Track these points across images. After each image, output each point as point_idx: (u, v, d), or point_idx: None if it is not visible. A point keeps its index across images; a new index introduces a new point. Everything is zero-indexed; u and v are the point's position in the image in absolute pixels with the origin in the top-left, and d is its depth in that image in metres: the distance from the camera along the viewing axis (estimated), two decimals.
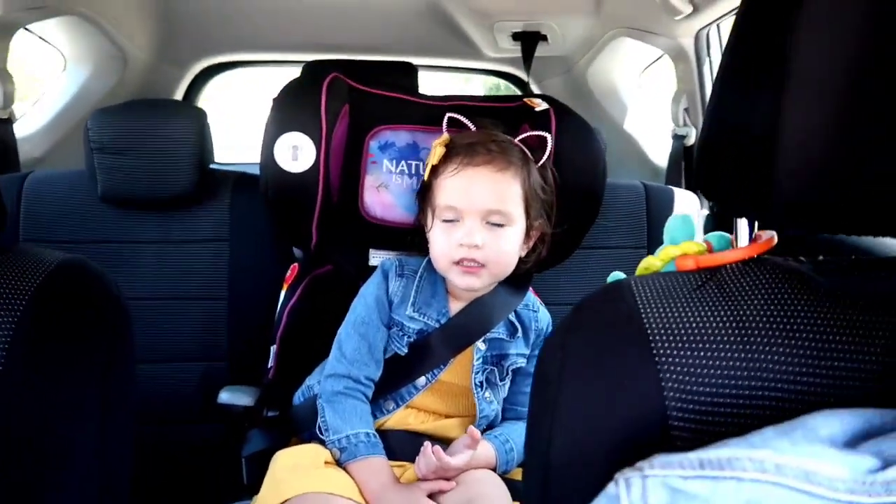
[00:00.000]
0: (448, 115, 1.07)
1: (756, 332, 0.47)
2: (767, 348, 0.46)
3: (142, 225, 1.43)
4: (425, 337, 1.03)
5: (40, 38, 1.67)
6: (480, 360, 1.04)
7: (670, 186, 1.61)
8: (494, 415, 1.08)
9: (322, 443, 1.01)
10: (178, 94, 2.16)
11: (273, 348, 1.21)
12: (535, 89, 2.15)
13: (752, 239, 0.58)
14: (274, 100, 1.13)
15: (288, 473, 0.93)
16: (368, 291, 1.07)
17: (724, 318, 0.48)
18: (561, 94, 2.08)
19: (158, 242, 1.44)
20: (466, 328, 1.04)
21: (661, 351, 0.47)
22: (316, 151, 1.09)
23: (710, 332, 0.48)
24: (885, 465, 0.34)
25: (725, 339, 0.47)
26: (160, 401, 1.42)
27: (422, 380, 1.04)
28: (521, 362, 1.08)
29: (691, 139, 1.61)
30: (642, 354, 0.47)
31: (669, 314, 0.49)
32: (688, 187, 1.65)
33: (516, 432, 1.05)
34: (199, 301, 1.44)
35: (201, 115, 1.44)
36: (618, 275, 0.72)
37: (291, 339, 1.21)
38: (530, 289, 1.23)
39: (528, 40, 1.85)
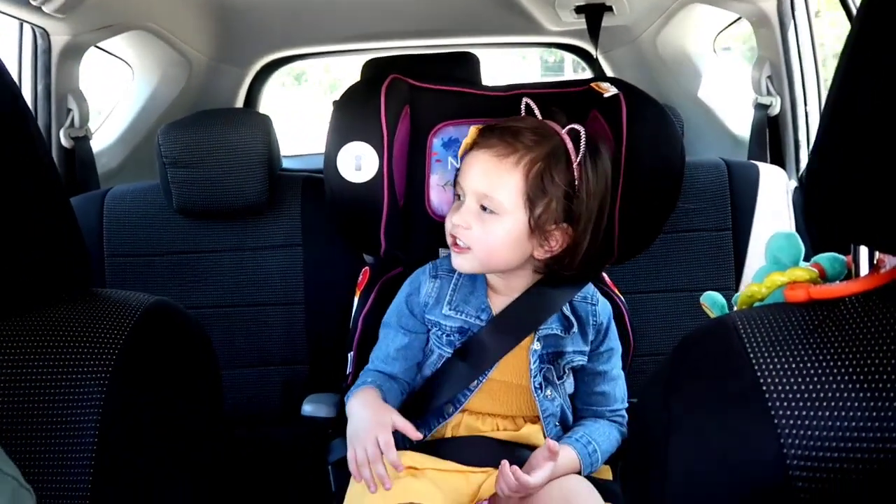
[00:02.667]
0: (525, 100, 1.03)
1: (883, 382, 0.42)
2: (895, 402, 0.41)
3: (217, 234, 1.46)
4: (473, 336, 1.01)
5: (107, 52, 1.70)
6: (537, 361, 1.01)
7: (754, 161, 1.52)
8: (561, 412, 1.04)
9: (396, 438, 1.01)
10: (242, 92, 2.18)
11: (350, 355, 1.22)
12: (602, 62, 2.06)
13: (873, 266, 0.52)
14: (333, 109, 1.11)
15: (366, 488, 0.94)
16: (398, 296, 1.08)
17: (849, 367, 0.44)
18: (628, 65, 1.99)
19: (234, 250, 1.46)
20: (515, 323, 1.00)
21: (778, 404, 0.43)
22: (379, 159, 1.07)
23: (832, 382, 0.43)
24: None
25: (851, 391, 0.43)
26: (246, 405, 1.46)
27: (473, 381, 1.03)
28: (580, 360, 1.03)
29: (776, 109, 1.51)
30: (757, 411, 0.43)
31: (784, 361, 0.45)
32: (773, 161, 1.55)
33: (597, 431, 1.02)
34: (277, 306, 1.46)
35: (266, 121, 1.44)
36: (714, 296, 0.68)
37: (368, 345, 1.21)
38: (603, 276, 1.19)
39: (593, 12, 1.76)
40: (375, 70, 1.31)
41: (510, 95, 1.11)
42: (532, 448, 1.00)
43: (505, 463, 0.92)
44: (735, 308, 0.63)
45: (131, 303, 0.66)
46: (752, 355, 0.46)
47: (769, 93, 1.51)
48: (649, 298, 1.47)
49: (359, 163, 1.07)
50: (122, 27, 1.49)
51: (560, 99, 1.14)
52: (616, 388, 1.05)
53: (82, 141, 1.58)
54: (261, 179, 1.39)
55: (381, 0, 1.72)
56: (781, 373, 0.44)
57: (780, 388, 0.43)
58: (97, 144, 1.73)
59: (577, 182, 0.95)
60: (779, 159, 1.54)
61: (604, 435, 1.02)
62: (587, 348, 1.03)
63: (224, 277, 1.46)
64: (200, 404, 0.66)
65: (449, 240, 1.00)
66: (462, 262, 0.98)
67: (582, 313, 1.04)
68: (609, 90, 1.09)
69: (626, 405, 1.07)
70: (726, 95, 1.84)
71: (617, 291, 1.17)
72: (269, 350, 1.48)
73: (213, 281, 1.46)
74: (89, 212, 1.44)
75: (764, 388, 0.43)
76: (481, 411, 1.05)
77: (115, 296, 0.67)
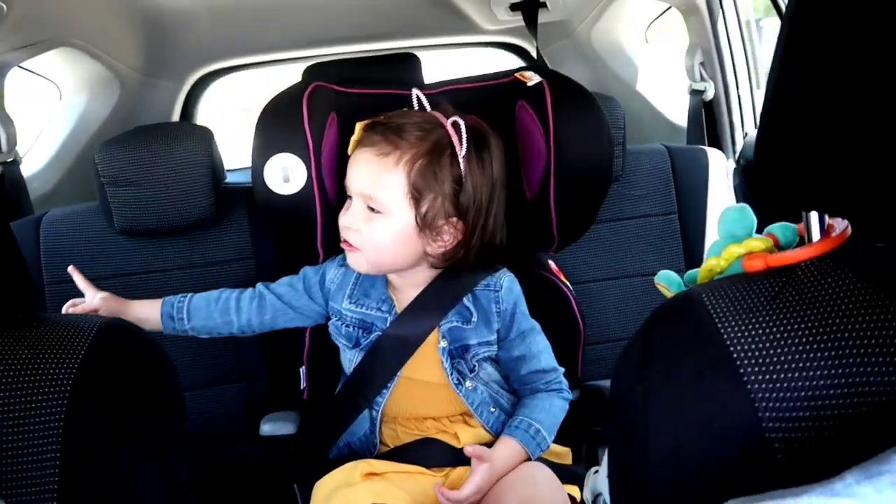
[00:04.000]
0: (415, 92, 1.02)
1: (848, 341, 0.44)
2: (863, 359, 0.43)
3: (164, 252, 1.41)
4: (380, 336, 1.01)
5: (32, 72, 1.63)
6: (447, 357, 1.01)
7: (694, 146, 1.57)
8: (492, 398, 1.05)
9: (354, 457, 1.00)
10: (178, 106, 2.12)
11: (302, 370, 1.20)
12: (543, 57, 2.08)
13: (824, 230, 0.54)
14: (257, 122, 1.09)
15: (330, 500, 0.93)
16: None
17: (811, 329, 0.45)
18: (566, 59, 2.03)
19: (183, 268, 1.42)
20: (418, 318, 1.01)
21: (749, 369, 0.45)
22: (307, 169, 1.05)
23: (797, 344, 0.45)
24: None
25: (816, 350, 0.44)
26: (206, 426, 1.42)
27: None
28: (487, 351, 1.03)
29: (710, 94, 1.56)
30: (729, 375, 0.45)
31: (751, 328, 0.46)
32: (711, 143, 1.60)
33: (536, 408, 1.02)
34: None
35: (208, 134, 1.40)
36: (668, 275, 0.69)
37: (318, 358, 1.19)
38: (549, 263, 1.20)
39: (528, 9, 1.78)
40: (315, 75, 1.29)
41: (437, 93, 1.11)
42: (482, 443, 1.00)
43: (435, 486, 0.92)
44: (691, 284, 0.65)
45: (83, 325, 0.63)
46: (719, 325, 0.47)
47: (703, 78, 1.56)
48: (603, 286, 1.50)
49: (286, 174, 1.05)
50: (47, 45, 1.43)
51: (487, 91, 1.15)
52: (542, 361, 1.05)
53: (11, 165, 1.50)
54: (206, 193, 1.35)
55: (317, 6, 1.70)
56: (749, 339, 0.45)
57: (749, 353, 0.45)
58: (28, 169, 1.65)
59: (463, 175, 0.95)
60: (715, 142, 1.59)
61: (544, 410, 1.02)
62: (493, 337, 1.03)
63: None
64: (166, 421, 0.64)
65: (342, 239, 0.99)
66: (355, 262, 0.99)
67: (484, 302, 1.03)
68: (532, 79, 1.10)
69: (562, 370, 1.07)
70: (662, 84, 1.90)
71: (563, 278, 1.19)
72: (226, 368, 1.44)
73: None
74: (24, 238, 1.37)
75: (734, 355, 0.45)
76: (412, 416, 1.04)
77: (65, 319, 0.64)
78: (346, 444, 1.06)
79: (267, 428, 1.14)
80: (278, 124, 1.06)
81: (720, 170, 1.45)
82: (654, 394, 0.45)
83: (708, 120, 1.60)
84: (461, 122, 0.95)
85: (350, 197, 0.98)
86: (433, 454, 0.99)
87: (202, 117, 2.29)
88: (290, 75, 2.21)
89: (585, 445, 1.11)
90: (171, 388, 0.67)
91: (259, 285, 1.10)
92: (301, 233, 1.10)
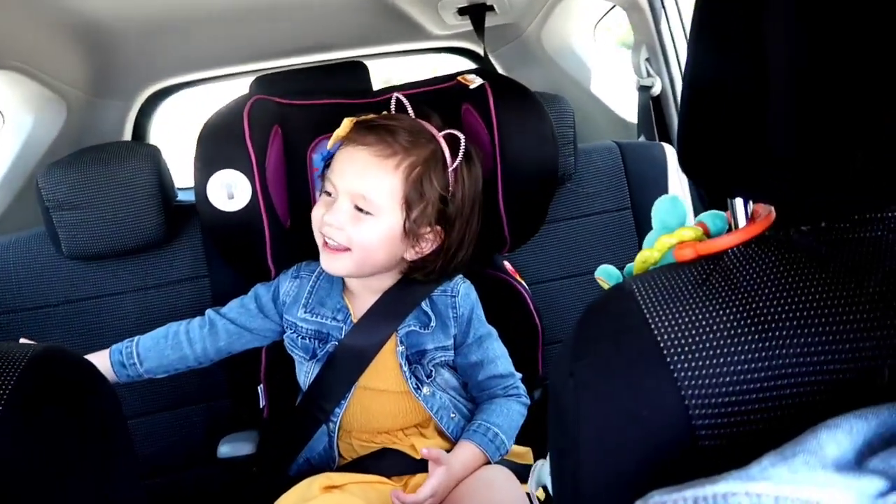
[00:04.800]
0: (396, 96, 1.02)
1: (771, 323, 0.44)
2: (786, 340, 0.44)
3: (115, 276, 1.38)
4: (336, 345, 1.01)
5: None
6: (405, 362, 1.01)
7: (644, 140, 1.59)
8: (452, 402, 1.05)
9: (311, 472, 0.99)
10: (128, 126, 2.08)
11: (260, 388, 1.19)
12: (492, 60, 2.09)
13: (749, 216, 0.55)
14: (197, 139, 1.08)
15: None
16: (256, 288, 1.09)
17: (736, 313, 0.46)
18: (516, 61, 2.04)
19: (136, 290, 1.39)
20: (376, 324, 1.01)
21: (676, 359, 0.45)
22: (251, 184, 1.04)
23: (723, 330, 0.45)
24: (893, 485, 0.32)
25: (740, 335, 0.45)
26: (167, 450, 1.39)
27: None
28: (443, 356, 1.03)
29: (657, 89, 1.58)
30: (657, 366, 0.45)
31: (678, 317, 0.47)
32: (661, 138, 1.62)
33: (495, 413, 1.03)
34: None
35: (155, 151, 1.38)
36: (608, 269, 0.70)
37: (275, 376, 1.18)
38: (504, 263, 1.20)
39: (476, 12, 1.79)
40: (262, 87, 1.28)
41: (384, 100, 1.11)
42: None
43: (392, 492, 0.92)
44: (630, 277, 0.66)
45: (15, 353, 0.61)
46: (647, 315, 0.47)
47: (649, 74, 1.58)
48: (562, 284, 1.50)
49: (230, 191, 1.04)
50: None
51: (432, 96, 1.15)
52: (499, 367, 1.05)
53: None
54: (156, 212, 1.33)
55: (262, 17, 1.68)
56: (676, 328, 0.46)
57: (676, 342, 0.45)
58: None
59: (451, 186, 0.96)
60: (665, 136, 1.62)
61: (502, 415, 1.03)
62: (450, 342, 1.03)
63: (129, 320, 1.39)
64: (107, 448, 0.62)
65: (319, 240, 0.97)
66: (335, 264, 0.96)
67: (441, 307, 1.03)
68: (474, 81, 1.11)
69: (519, 376, 1.07)
70: (612, 81, 1.92)
71: (518, 278, 1.20)
72: (186, 390, 1.41)
73: (117, 325, 1.38)
74: None
75: (661, 344, 0.45)
76: (367, 429, 1.04)
77: None
78: (306, 460, 1.05)
79: (225, 450, 1.12)
80: (219, 140, 1.05)
81: (671, 163, 1.47)
82: (585, 385, 0.45)
83: (657, 115, 1.62)
84: (458, 135, 0.97)
85: (327, 193, 0.96)
86: (392, 463, 0.99)
87: (161, 135, 2.25)
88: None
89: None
90: (109, 415, 0.65)
91: (209, 312, 1.08)
92: (250, 249, 1.08)
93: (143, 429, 1.38)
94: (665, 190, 1.43)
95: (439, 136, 0.97)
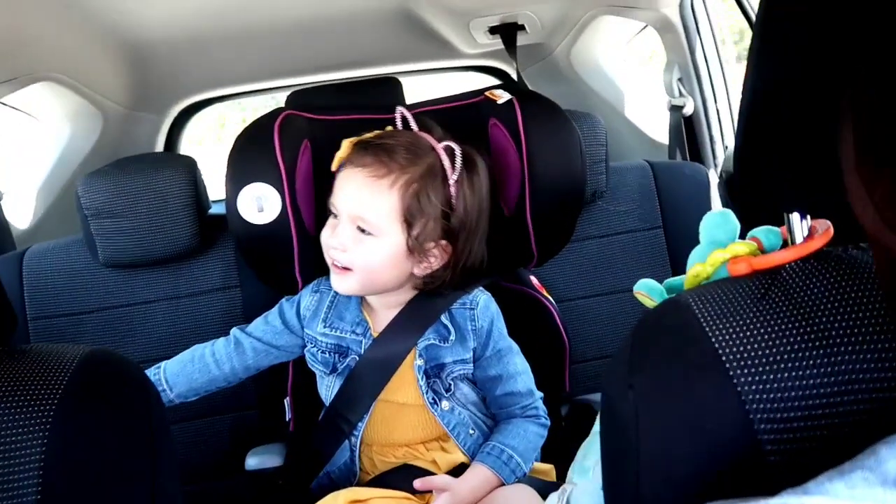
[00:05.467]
0: (400, 112, 1.02)
1: (835, 338, 0.44)
2: (851, 356, 0.43)
3: (148, 284, 1.40)
4: (357, 360, 1.01)
5: (13, 107, 1.63)
6: (423, 376, 1.01)
7: (676, 160, 1.58)
8: (471, 419, 1.04)
9: (334, 488, 0.99)
10: (161, 139, 2.12)
11: (286, 401, 1.19)
12: (523, 78, 2.10)
13: (807, 233, 0.55)
14: (229, 153, 1.09)
15: None
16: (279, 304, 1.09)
17: (798, 328, 0.45)
18: (547, 80, 2.05)
19: (168, 299, 1.40)
20: (396, 339, 1.00)
21: (738, 372, 0.44)
22: (281, 198, 1.05)
23: (785, 344, 0.45)
24: None
25: (803, 349, 0.44)
26: (195, 458, 1.39)
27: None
28: (462, 370, 1.02)
29: (689, 109, 1.58)
30: (719, 380, 0.44)
31: (738, 330, 0.46)
32: (692, 158, 1.62)
33: (510, 434, 1.01)
34: None
35: (191, 163, 1.40)
36: (649, 283, 0.69)
37: (302, 389, 1.18)
38: (531, 278, 1.20)
39: (507, 32, 1.81)
40: (296, 102, 1.30)
41: (412, 114, 1.12)
42: (459, 466, 1.01)
43: None
44: (672, 291, 0.65)
45: (66, 354, 0.62)
46: (706, 328, 0.47)
47: (681, 94, 1.58)
48: (593, 302, 1.50)
49: (260, 204, 1.05)
50: (27, 79, 1.43)
51: (460, 111, 1.16)
52: (518, 384, 1.04)
53: None
54: (190, 223, 1.34)
55: (297, 34, 1.71)
56: (737, 340, 0.45)
57: (737, 355, 0.45)
58: (11, 204, 1.64)
59: (453, 199, 0.95)
60: (696, 156, 1.61)
61: (518, 436, 1.01)
62: (468, 356, 1.02)
63: (160, 328, 1.40)
64: (152, 451, 0.63)
65: (328, 259, 0.98)
66: (342, 284, 0.97)
67: (460, 320, 1.02)
68: (502, 97, 1.12)
69: (540, 395, 1.06)
70: (642, 101, 1.92)
71: (545, 293, 1.19)
72: (215, 400, 1.41)
73: (149, 333, 1.40)
74: (7, 274, 1.35)
75: (723, 357, 0.44)
76: (387, 443, 1.03)
77: (47, 350, 0.63)
78: (326, 474, 1.05)
79: (252, 462, 1.12)
80: (250, 154, 1.06)
81: (703, 183, 1.47)
82: (645, 398, 0.45)
83: (689, 135, 1.62)
84: (455, 147, 0.95)
85: (334, 216, 0.97)
86: (414, 480, 0.98)
87: (192, 148, 2.29)
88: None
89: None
90: (157, 417, 0.66)
91: (235, 331, 1.08)
92: (279, 262, 1.09)
93: (173, 435, 1.39)
94: (702, 209, 1.42)
95: (439, 147, 0.96)
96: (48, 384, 0.59)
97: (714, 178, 1.54)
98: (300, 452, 1.10)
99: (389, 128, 1.02)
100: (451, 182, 0.95)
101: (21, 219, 1.70)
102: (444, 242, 0.96)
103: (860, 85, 0.36)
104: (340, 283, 0.97)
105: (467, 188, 0.96)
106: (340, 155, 0.97)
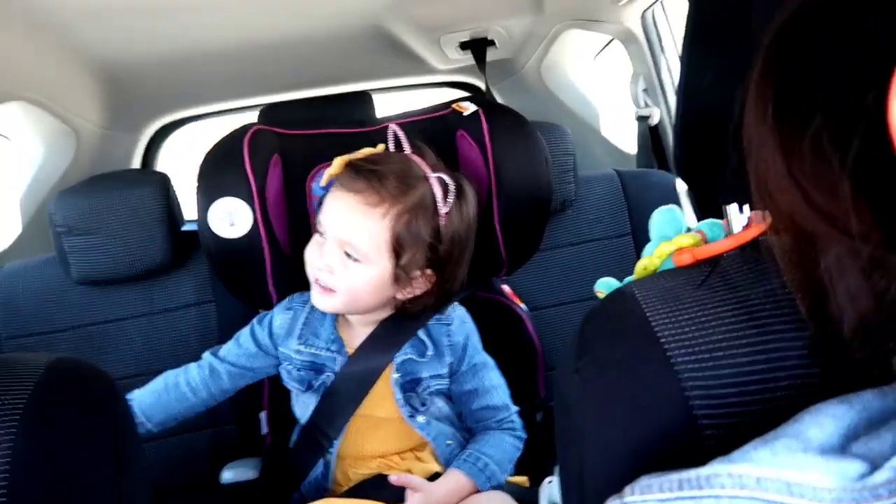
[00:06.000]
0: (393, 130, 1.03)
1: (766, 319, 0.46)
2: (782, 335, 0.45)
3: (122, 301, 1.40)
4: (334, 377, 1.01)
5: None
6: (399, 390, 1.01)
7: (643, 169, 1.62)
8: (446, 431, 1.05)
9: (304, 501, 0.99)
10: (137, 158, 2.12)
11: (263, 415, 1.19)
12: (494, 93, 2.14)
13: (746, 222, 0.57)
14: (199, 168, 1.10)
15: None
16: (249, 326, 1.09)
17: (734, 310, 0.47)
18: (517, 94, 2.09)
19: (143, 315, 1.40)
20: (372, 355, 1.01)
21: (678, 354, 0.46)
22: (252, 212, 1.06)
23: (721, 327, 0.47)
24: (874, 468, 0.32)
25: (739, 330, 0.46)
26: (174, 477, 1.39)
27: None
28: (438, 385, 1.03)
29: (655, 119, 1.62)
30: (660, 363, 0.46)
31: (678, 315, 0.49)
32: (660, 167, 1.65)
33: (487, 444, 1.02)
34: None
35: (164, 179, 1.41)
36: (607, 281, 0.72)
37: (278, 403, 1.18)
38: (503, 287, 1.22)
39: (477, 47, 1.84)
40: (269, 118, 1.32)
41: (381, 129, 1.13)
42: (434, 475, 1.01)
43: None
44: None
45: (31, 363, 0.63)
46: (648, 314, 0.49)
47: (647, 105, 1.62)
48: (563, 311, 1.52)
49: (231, 218, 1.06)
50: None
51: (428, 124, 1.18)
52: (494, 398, 1.04)
53: None
54: (163, 238, 1.35)
55: (269, 52, 1.74)
56: (676, 324, 0.47)
57: (676, 338, 0.47)
58: None
59: (443, 230, 0.95)
60: (664, 164, 1.65)
61: (494, 446, 1.02)
62: (445, 371, 1.02)
63: (135, 345, 1.40)
64: (123, 455, 0.63)
65: (311, 277, 0.98)
66: (325, 303, 0.97)
67: (437, 335, 1.03)
68: (469, 108, 1.15)
69: (516, 409, 1.07)
70: (609, 113, 1.96)
71: (518, 301, 1.21)
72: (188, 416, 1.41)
73: (124, 350, 1.40)
74: None
75: (662, 339, 0.46)
76: (361, 455, 1.04)
77: (13, 358, 0.64)
78: (297, 491, 1.05)
79: (228, 475, 1.12)
80: (220, 169, 1.08)
81: (670, 189, 1.50)
82: (589, 381, 0.47)
83: (655, 144, 1.65)
84: (447, 180, 0.96)
85: (320, 234, 0.97)
86: (392, 490, 0.98)
87: (170, 167, 2.28)
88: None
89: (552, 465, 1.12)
90: (121, 422, 0.66)
91: (207, 357, 1.08)
92: (252, 276, 1.10)
93: (149, 453, 1.38)
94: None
95: (432, 178, 0.96)
96: (14, 391, 0.59)
97: (682, 185, 1.57)
98: (277, 467, 1.11)
99: (381, 146, 1.02)
100: (442, 214, 0.95)
101: None
102: (429, 272, 0.97)
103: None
104: (323, 301, 0.97)
105: (456, 219, 0.96)
106: (331, 172, 0.98)
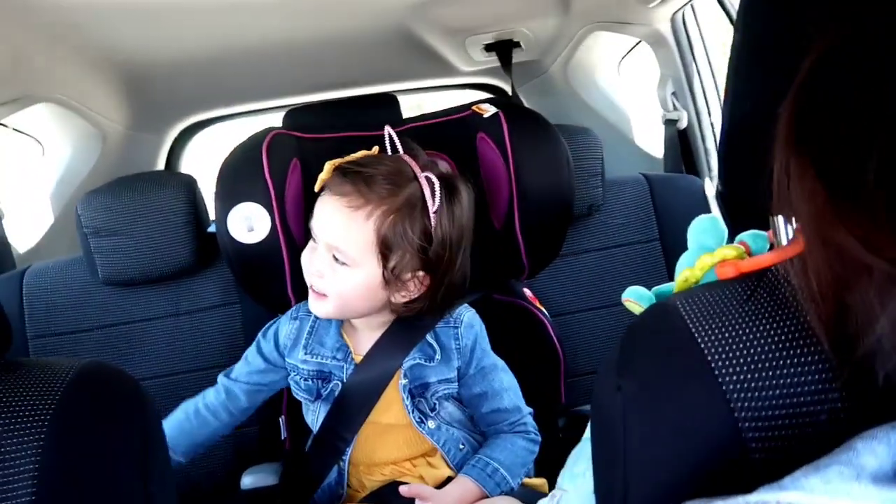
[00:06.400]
0: (387, 130, 1.01)
1: (817, 337, 0.44)
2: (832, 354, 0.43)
3: (148, 302, 1.40)
4: (342, 386, 1.00)
5: (14, 129, 1.65)
6: (408, 396, 1.00)
7: (672, 174, 1.59)
8: (458, 436, 1.04)
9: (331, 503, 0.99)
10: (161, 159, 2.14)
11: (281, 420, 1.19)
12: (519, 95, 2.12)
13: (793, 234, 0.55)
14: (217, 173, 1.10)
15: None
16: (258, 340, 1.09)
17: (784, 328, 0.45)
18: (543, 96, 2.07)
19: (168, 317, 1.41)
20: (380, 362, 1.00)
21: (725, 374, 0.45)
22: (270, 217, 1.05)
23: (771, 344, 0.45)
24: None
25: (789, 349, 0.44)
26: (196, 478, 1.39)
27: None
28: (447, 389, 1.01)
29: (683, 122, 1.59)
30: (706, 382, 0.45)
31: (725, 332, 0.47)
32: (688, 171, 1.63)
33: (497, 448, 1.01)
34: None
35: (191, 180, 1.41)
36: (637, 290, 0.70)
37: (296, 408, 1.18)
38: (524, 291, 1.20)
39: (503, 49, 1.83)
40: (293, 120, 1.32)
41: (399, 132, 1.11)
42: (446, 480, 1.00)
43: None
44: (661, 298, 0.66)
45: (61, 367, 0.63)
46: (693, 330, 0.47)
47: (675, 108, 1.60)
48: (591, 316, 1.50)
49: (250, 224, 1.06)
50: (27, 101, 1.45)
51: (449, 126, 1.17)
52: (504, 400, 1.03)
53: None
54: (189, 239, 1.35)
55: (295, 54, 1.74)
56: (724, 343, 0.46)
57: (724, 356, 0.45)
58: (12, 225, 1.65)
59: (433, 229, 0.93)
60: (692, 168, 1.62)
61: (505, 450, 1.01)
62: (453, 374, 1.01)
63: (160, 345, 1.40)
64: (146, 461, 0.63)
65: (307, 282, 0.98)
66: (319, 308, 0.97)
67: (444, 339, 1.01)
68: (489, 110, 1.13)
69: (529, 411, 1.05)
70: (638, 116, 1.94)
71: (538, 305, 1.19)
72: None
73: (148, 351, 1.40)
74: (7, 293, 1.36)
75: (709, 358, 0.45)
76: (373, 462, 1.03)
77: (42, 363, 0.64)
78: (311, 499, 1.05)
79: (248, 481, 1.12)
80: (239, 174, 1.07)
81: (699, 194, 1.48)
82: (632, 401, 0.45)
83: (684, 148, 1.62)
84: (434, 179, 0.94)
85: (314, 238, 0.97)
86: (403, 496, 0.97)
87: (195, 167, 2.30)
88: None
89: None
90: (150, 427, 0.66)
91: (221, 380, 1.09)
92: (271, 281, 1.10)
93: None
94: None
95: (421, 177, 0.94)
96: (43, 396, 0.59)
97: (710, 189, 1.55)
98: (294, 473, 1.10)
99: (376, 148, 1.02)
100: (431, 214, 0.93)
101: (23, 239, 1.71)
102: (421, 274, 0.95)
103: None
104: (317, 307, 0.97)
105: (446, 220, 0.94)
106: (322, 177, 0.97)
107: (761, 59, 0.48)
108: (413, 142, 1.01)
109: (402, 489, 0.93)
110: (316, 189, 0.98)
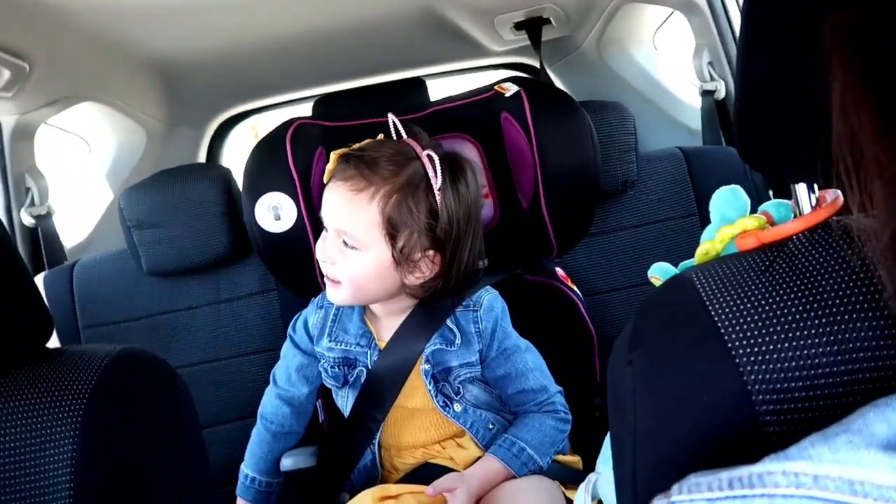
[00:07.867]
0: (389, 117, 1.01)
1: (837, 307, 0.43)
2: (853, 324, 0.42)
3: (190, 290, 1.45)
4: (368, 373, 1.01)
5: (60, 128, 1.71)
6: (431, 381, 1.00)
7: (709, 146, 1.55)
8: (486, 417, 1.03)
9: (355, 491, 1.01)
10: (202, 152, 2.19)
11: (319, 403, 1.21)
12: (551, 75, 2.09)
13: (815, 203, 0.53)
14: (245, 164, 1.12)
15: None
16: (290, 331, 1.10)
17: (800, 298, 0.44)
18: (576, 73, 2.03)
19: (210, 304, 1.45)
20: (403, 347, 1.00)
21: (738, 344, 0.44)
22: (297, 206, 1.06)
23: (787, 314, 0.44)
24: None
25: (806, 320, 0.43)
26: (236, 459, 1.43)
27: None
28: (469, 373, 1.01)
29: (721, 92, 1.54)
30: (718, 355, 0.44)
31: (740, 303, 0.46)
32: (728, 143, 1.58)
33: (524, 428, 1.01)
34: (259, 355, 1.45)
35: (226, 172, 1.44)
36: (662, 266, 0.68)
37: (330, 391, 1.20)
38: (556, 270, 1.18)
39: (532, 27, 1.80)
40: (323, 108, 1.33)
41: (424, 116, 1.11)
42: (476, 461, 1.00)
43: None
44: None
45: (97, 353, 0.65)
46: (707, 302, 0.46)
47: (712, 78, 1.55)
48: (625, 294, 1.48)
49: (277, 213, 1.08)
50: (72, 100, 1.50)
51: (472, 107, 1.16)
52: (530, 381, 1.02)
53: (45, 218, 1.57)
54: (226, 230, 1.39)
55: (325, 42, 1.75)
56: (738, 313, 0.44)
57: (737, 327, 0.44)
58: (62, 220, 1.72)
59: (438, 207, 0.92)
60: (732, 140, 1.57)
61: (533, 429, 1.00)
62: (474, 358, 1.01)
63: (203, 332, 1.45)
64: (180, 443, 0.65)
65: (323, 271, 0.99)
66: (334, 295, 0.97)
67: (464, 323, 1.01)
68: (510, 89, 1.11)
69: (558, 390, 1.04)
70: (675, 89, 1.88)
71: (571, 284, 1.18)
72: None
73: (192, 338, 1.45)
74: (59, 285, 1.43)
75: (721, 330, 0.44)
76: (402, 446, 1.04)
77: (79, 350, 0.67)
78: (348, 480, 1.07)
79: (287, 462, 1.14)
80: (264, 164, 1.09)
81: (738, 166, 1.43)
82: (642, 375, 0.45)
83: (722, 119, 1.58)
84: (434, 156, 0.94)
85: (325, 227, 0.98)
86: (436, 476, 0.98)
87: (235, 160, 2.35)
88: None
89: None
90: (183, 412, 0.68)
91: (272, 391, 1.11)
92: (300, 268, 1.11)
93: (210, 439, 1.43)
94: None
95: (423, 154, 0.94)
96: (80, 381, 0.62)
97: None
98: (332, 454, 1.13)
99: (381, 136, 1.02)
100: (436, 190, 0.93)
101: (73, 235, 1.78)
102: (431, 253, 0.95)
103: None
104: (333, 294, 0.98)
105: (452, 197, 0.94)
106: (329, 167, 0.98)
107: (777, 24, 0.46)
108: (418, 128, 1.00)
109: (428, 490, 0.94)
110: (325, 180, 0.99)
